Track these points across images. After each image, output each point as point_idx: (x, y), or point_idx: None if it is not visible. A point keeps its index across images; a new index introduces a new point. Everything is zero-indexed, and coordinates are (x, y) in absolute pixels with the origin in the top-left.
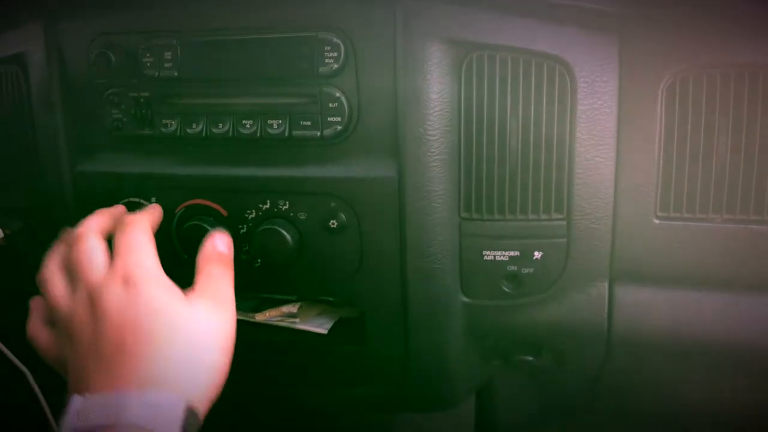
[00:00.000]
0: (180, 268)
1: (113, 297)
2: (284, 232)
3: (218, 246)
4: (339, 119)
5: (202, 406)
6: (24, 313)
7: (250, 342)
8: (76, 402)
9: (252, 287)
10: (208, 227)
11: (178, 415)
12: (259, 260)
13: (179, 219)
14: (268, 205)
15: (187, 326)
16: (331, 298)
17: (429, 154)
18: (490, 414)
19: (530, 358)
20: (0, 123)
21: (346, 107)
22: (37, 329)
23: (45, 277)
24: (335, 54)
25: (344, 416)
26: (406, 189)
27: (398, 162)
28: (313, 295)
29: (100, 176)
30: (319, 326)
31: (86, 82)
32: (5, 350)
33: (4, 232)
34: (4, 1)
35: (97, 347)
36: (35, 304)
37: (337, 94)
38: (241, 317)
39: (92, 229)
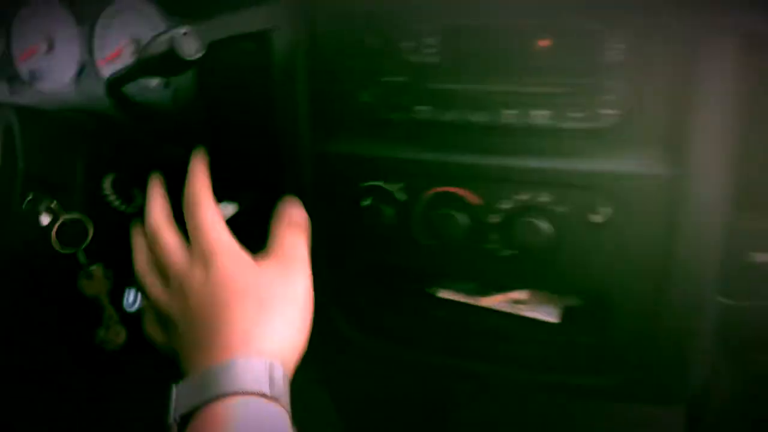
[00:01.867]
0: (417, 257)
1: (197, 282)
2: (544, 226)
3: (293, 215)
4: (613, 112)
5: (289, 363)
6: None
7: (474, 326)
8: (174, 391)
9: (494, 276)
10: (459, 214)
11: (266, 375)
12: (507, 251)
13: (425, 206)
14: (526, 197)
15: (260, 291)
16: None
17: (714, 153)
18: (701, 415)
19: None
20: (241, 98)
21: (622, 100)
22: (151, 328)
23: (141, 278)
24: (619, 46)
25: (568, 405)
26: (683, 188)
27: (676, 159)
28: (560, 287)
29: (341, 158)
30: (549, 315)
31: (335, 63)
32: None
33: (235, 207)
34: None
35: (190, 331)
36: (145, 306)
37: (614, 86)
38: (464, 300)
39: (162, 220)
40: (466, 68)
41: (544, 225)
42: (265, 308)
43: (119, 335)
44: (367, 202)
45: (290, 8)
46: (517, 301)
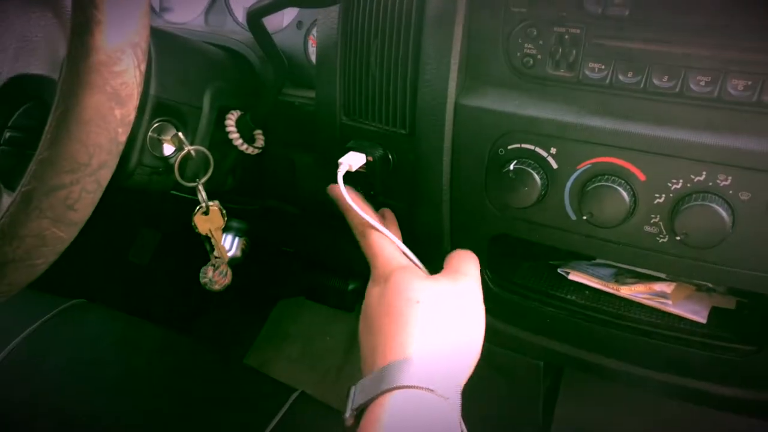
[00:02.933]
0: (562, 233)
1: (374, 298)
2: (721, 212)
3: (468, 253)
4: None
5: (459, 365)
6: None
7: (606, 314)
8: (352, 391)
9: (647, 263)
10: (621, 190)
11: (431, 373)
12: (668, 236)
13: (579, 177)
14: (702, 177)
15: (431, 299)
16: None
17: None
18: None
19: None
20: (386, 38)
21: None
22: None
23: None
24: None
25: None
26: None
27: None
28: (725, 283)
29: (488, 113)
30: (695, 313)
31: (498, 8)
32: None
33: (366, 159)
34: None
35: (368, 340)
36: None
37: None
38: (601, 287)
39: (369, 226)
40: (655, 24)
41: (721, 212)
42: (436, 314)
43: (226, 276)
44: (512, 167)
45: None
46: (659, 294)
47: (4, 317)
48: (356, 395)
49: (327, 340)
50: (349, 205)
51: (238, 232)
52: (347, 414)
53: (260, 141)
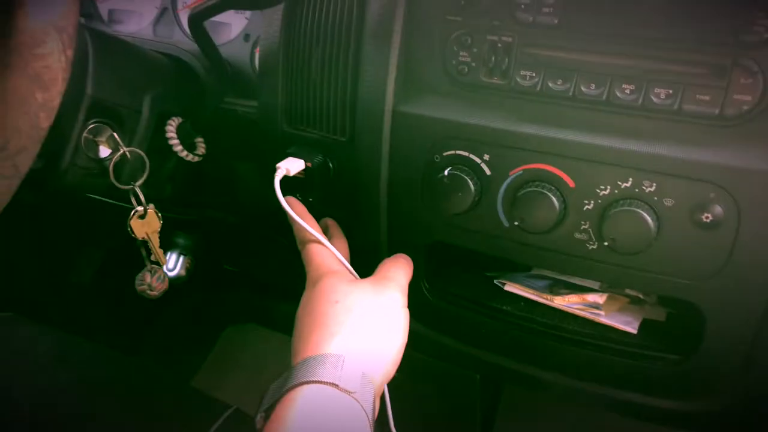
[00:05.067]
0: (494, 241)
1: (304, 298)
2: (646, 218)
3: (400, 258)
4: (748, 98)
5: (374, 368)
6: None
7: (541, 325)
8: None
9: (578, 270)
10: (551, 196)
11: (339, 369)
12: (597, 243)
13: (511, 183)
14: (629, 184)
15: (351, 301)
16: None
17: None
18: None
19: None
20: (326, 48)
21: (761, 86)
22: None
23: None
24: (766, 22)
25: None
26: None
27: None
28: (652, 291)
29: (425, 121)
30: (627, 324)
31: (435, 17)
32: None
33: (305, 165)
34: None
35: (293, 340)
36: None
37: (755, 69)
38: (536, 298)
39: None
40: (584, 33)
41: (646, 218)
42: (354, 315)
43: (163, 282)
44: (447, 173)
45: None
46: (592, 305)
47: None
48: (266, 397)
49: (278, 367)
50: (287, 210)
51: (183, 250)
52: (257, 417)
53: (201, 149)
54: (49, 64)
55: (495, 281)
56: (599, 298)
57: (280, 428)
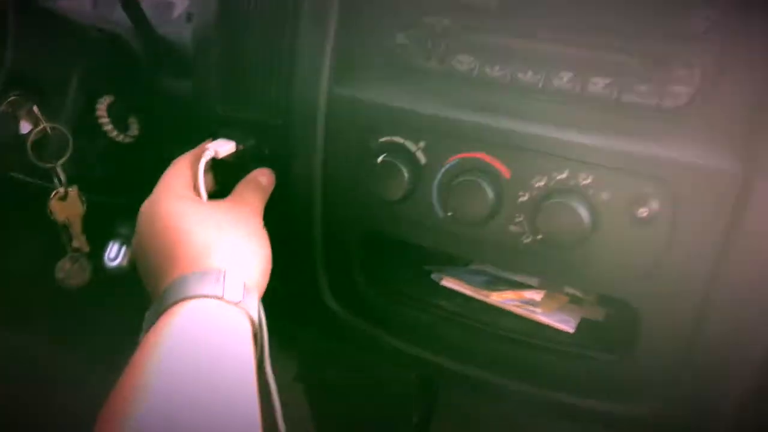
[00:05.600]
0: (428, 232)
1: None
2: (580, 211)
3: (259, 174)
4: (686, 90)
5: (250, 275)
6: None
7: (477, 322)
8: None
9: (513, 264)
10: (486, 186)
11: (220, 281)
12: (532, 236)
13: (446, 172)
14: (564, 175)
15: (210, 219)
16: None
17: None
18: None
19: None
20: (258, 30)
21: (697, 77)
22: None
23: None
24: (707, 14)
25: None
26: (753, 190)
27: (749, 155)
28: (588, 288)
29: (360, 104)
30: (564, 322)
31: None
32: None
33: (237, 148)
34: None
35: (149, 266)
36: None
37: (693, 60)
38: (472, 293)
39: (179, 164)
40: (523, 18)
41: (580, 211)
42: (216, 231)
43: (85, 271)
44: (381, 160)
45: None
46: (529, 302)
47: None
48: (145, 324)
49: None
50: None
51: (125, 239)
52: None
53: (134, 129)
54: None
55: (432, 275)
56: (536, 295)
57: (162, 337)
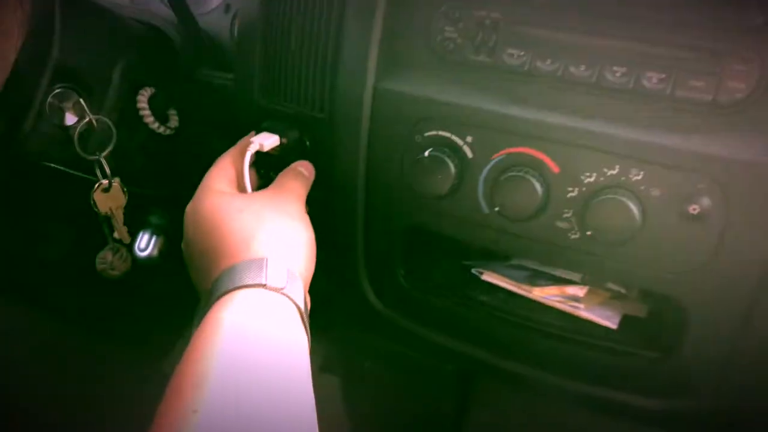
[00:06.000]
0: (473, 228)
1: (192, 217)
2: (632, 208)
3: (300, 165)
4: (743, 86)
5: (294, 262)
6: None
7: (518, 317)
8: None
9: (559, 260)
10: (534, 181)
11: (263, 270)
12: (580, 232)
13: (494, 167)
14: (615, 171)
15: (251, 210)
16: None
17: None
18: None
19: None
20: (307, 21)
21: (756, 73)
22: None
23: None
24: (765, 4)
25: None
26: None
27: None
28: (635, 285)
29: (407, 98)
30: (607, 318)
31: None
32: None
33: (281, 141)
34: None
35: (197, 258)
36: None
37: (750, 56)
38: (514, 288)
39: (221, 163)
40: (574, 12)
41: (630, 208)
42: (263, 220)
43: (126, 261)
44: (428, 155)
45: None
46: (572, 298)
47: None
48: (196, 320)
49: None
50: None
51: (156, 230)
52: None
53: (174, 121)
54: (3, 15)
55: (472, 270)
56: (579, 291)
57: (213, 330)
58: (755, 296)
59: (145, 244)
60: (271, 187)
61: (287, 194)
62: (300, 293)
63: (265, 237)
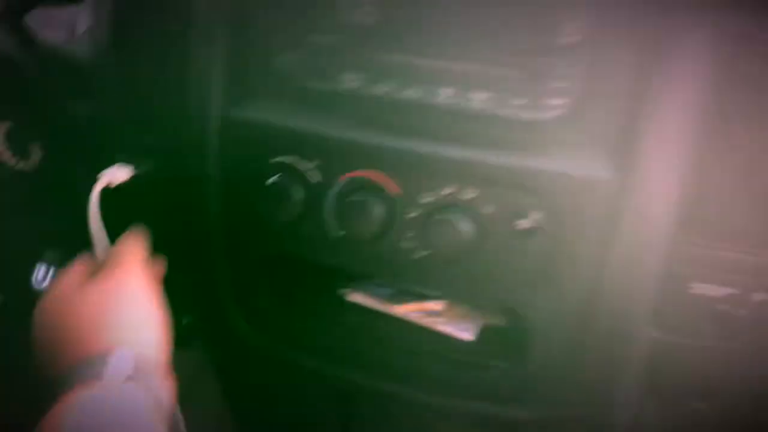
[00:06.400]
0: (325, 251)
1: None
2: (463, 226)
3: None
4: (561, 102)
5: (144, 348)
6: None
7: (382, 335)
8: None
9: (408, 278)
10: (376, 204)
11: (103, 365)
12: (423, 251)
13: (338, 192)
14: (452, 191)
15: (89, 305)
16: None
17: (666, 162)
18: None
19: (701, 406)
20: (152, 50)
21: (571, 89)
22: None
23: None
24: (578, 26)
25: None
26: (626, 198)
27: (622, 164)
28: (478, 299)
29: (253, 126)
30: (464, 330)
31: (257, 17)
32: None
33: (132, 172)
34: None
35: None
36: None
37: (568, 73)
38: (377, 306)
39: None
40: (404, 36)
41: (465, 226)
42: (98, 312)
43: None
44: (274, 181)
45: None
46: (431, 313)
47: None
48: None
49: None
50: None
51: (52, 262)
52: None
53: (35, 156)
54: None
55: (337, 291)
56: (438, 306)
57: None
58: (591, 304)
59: (43, 276)
60: (109, 267)
61: (127, 277)
62: (152, 377)
63: (106, 331)
